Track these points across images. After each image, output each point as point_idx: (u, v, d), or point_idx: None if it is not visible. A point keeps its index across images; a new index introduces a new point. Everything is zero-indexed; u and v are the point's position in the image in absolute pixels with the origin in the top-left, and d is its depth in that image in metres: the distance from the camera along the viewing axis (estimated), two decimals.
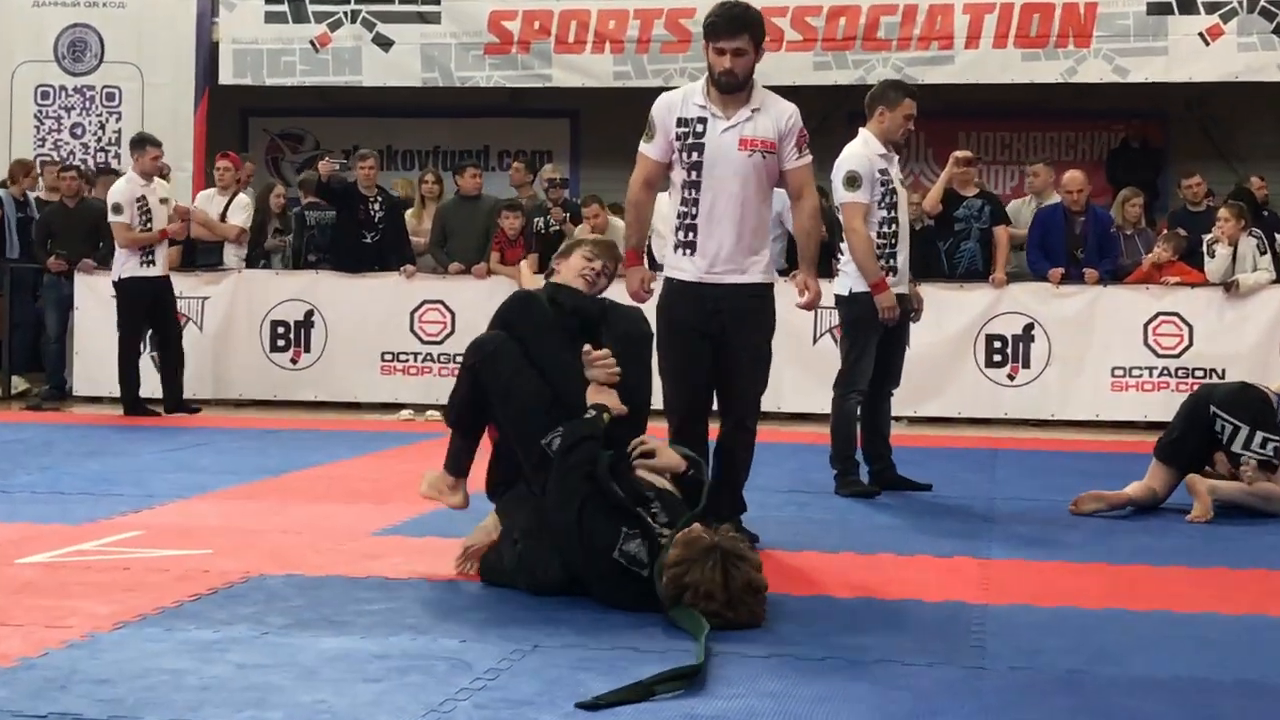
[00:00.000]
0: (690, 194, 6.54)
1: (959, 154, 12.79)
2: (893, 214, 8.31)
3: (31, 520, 7.09)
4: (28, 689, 4.23)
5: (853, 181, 8.17)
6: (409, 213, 14.27)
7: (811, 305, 6.92)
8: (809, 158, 6.72)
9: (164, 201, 12.48)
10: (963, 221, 12.70)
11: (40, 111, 15.94)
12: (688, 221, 6.55)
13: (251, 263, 13.91)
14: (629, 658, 4.60)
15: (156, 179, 12.52)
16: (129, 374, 12.24)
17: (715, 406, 6.78)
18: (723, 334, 6.53)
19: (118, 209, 12.15)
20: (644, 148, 6.71)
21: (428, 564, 6.09)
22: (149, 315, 12.39)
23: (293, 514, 7.50)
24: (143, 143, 12.44)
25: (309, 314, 13.43)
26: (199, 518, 7.32)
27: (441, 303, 13.23)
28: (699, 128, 6.52)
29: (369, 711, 4.08)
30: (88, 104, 15.89)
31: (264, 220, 14.21)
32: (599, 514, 5.29)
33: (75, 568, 6.02)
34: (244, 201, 13.97)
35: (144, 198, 12.16)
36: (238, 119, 17.69)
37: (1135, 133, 16.86)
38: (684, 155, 6.53)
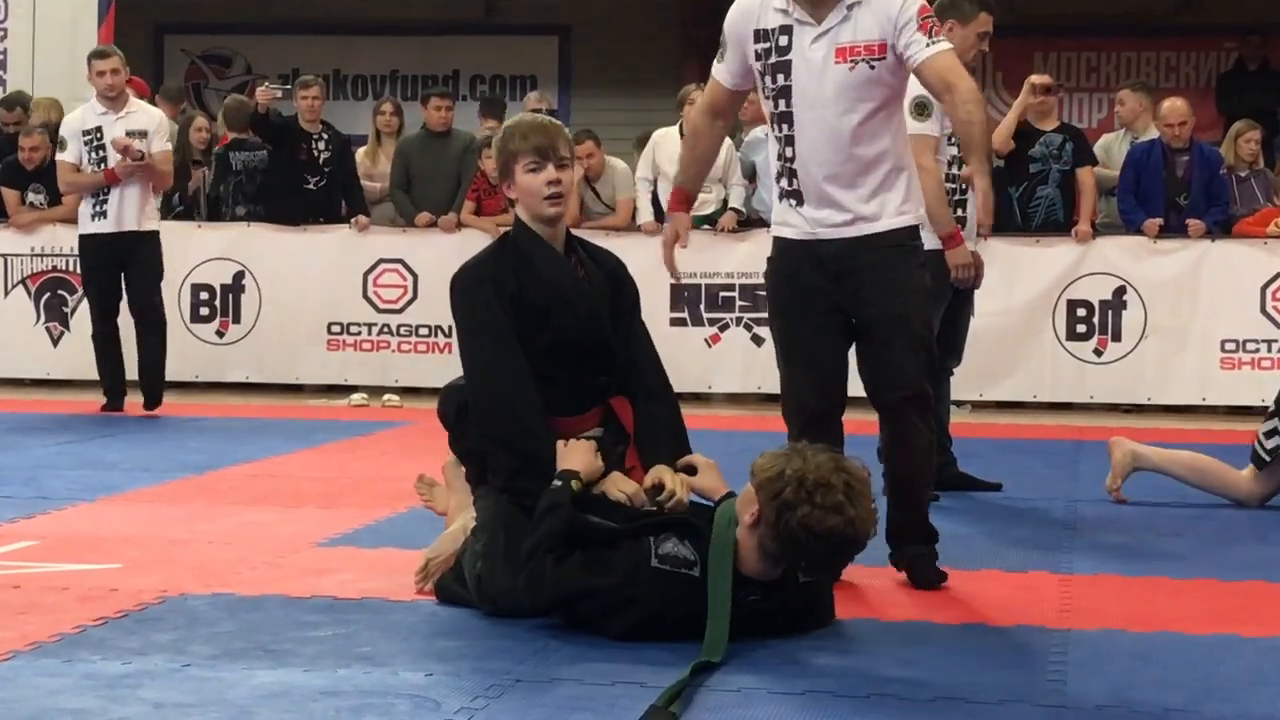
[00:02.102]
0: (783, 129, 6.06)
1: (1035, 79, 12.81)
2: (960, 152, 8.31)
3: None
4: None
5: (922, 109, 8.13)
6: (361, 151, 14.29)
7: (967, 274, 6.78)
8: (944, 44, 6.08)
9: (138, 135, 11.66)
10: (1039, 162, 12.72)
11: None
12: (787, 165, 6.08)
13: (166, 212, 13.84)
14: (632, 693, 4.59)
15: (136, 105, 11.97)
16: (100, 356, 11.81)
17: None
18: (855, 298, 6.10)
19: (62, 144, 11.94)
20: (715, 68, 6.26)
21: (385, 581, 6.10)
22: (113, 281, 11.75)
23: (220, 520, 7.51)
24: (90, 56, 12.16)
25: (238, 276, 13.43)
26: (106, 525, 7.33)
27: (401, 262, 13.24)
28: (782, 40, 5.97)
29: None
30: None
31: (184, 159, 14.09)
32: (603, 551, 5.29)
33: None
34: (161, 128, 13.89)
35: (99, 129, 11.62)
36: (151, 37, 17.71)
37: (1252, 52, 16.83)
38: (767, 79, 6.05)
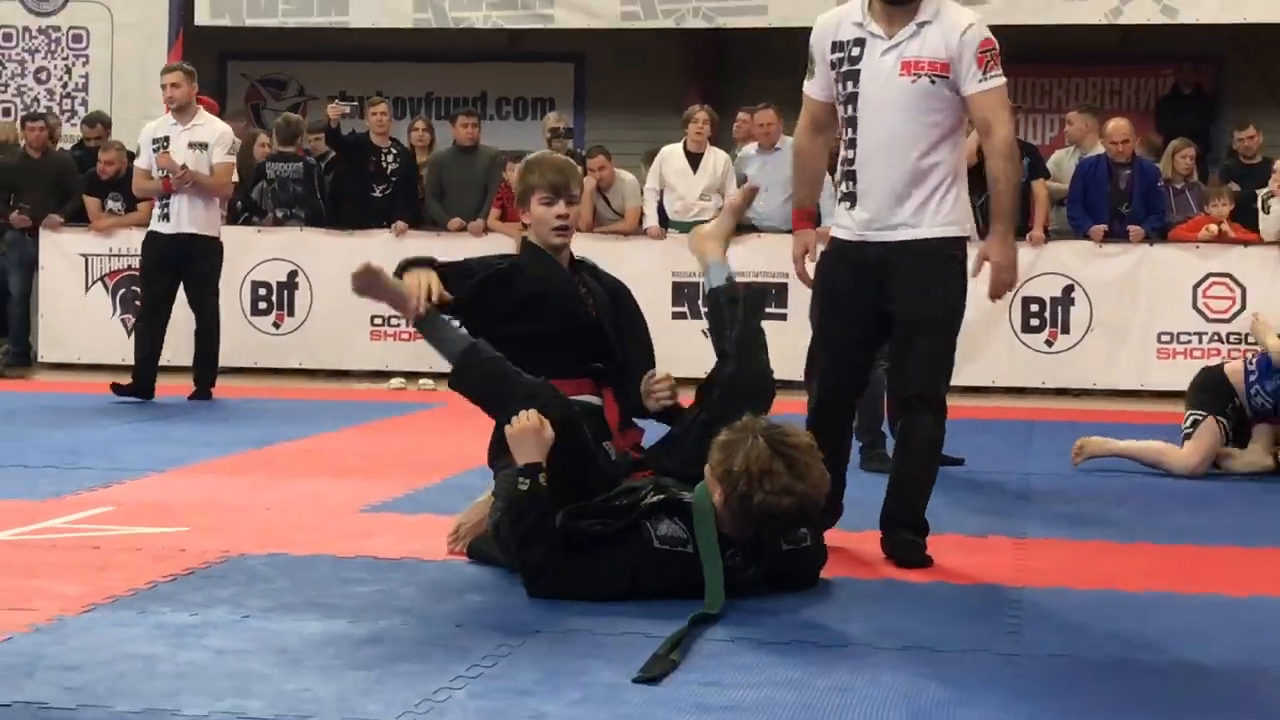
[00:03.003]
0: (848, 133, 5.84)
1: None
2: None
3: None
4: None
5: None
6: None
7: (1001, 291, 6.10)
8: (998, 80, 5.82)
9: (199, 147, 11.27)
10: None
11: (2, 55, 15.94)
12: (847, 168, 5.85)
13: (234, 218, 13.86)
14: (638, 643, 4.59)
15: (204, 118, 11.58)
16: (137, 344, 11.45)
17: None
18: (890, 301, 5.87)
19: (136, 151, 11.77)
20: (807, 87, 6.00)
21: (421, 543, 6.10)
22: (169, 279, 11.42)
23: (276, 490, 7.52)
24: (160, 71, 11.95)
25: (292, 275, 13.44)
26: (174, 493, 7.33)
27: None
28: (854, 51, 5.76)
29: (358, 701, 4.09)
30: (53, 46, 15.91)
31: (246, 173, 14.14)
32: (604, 548, 5.21)
33: (41, 546, 6.03)
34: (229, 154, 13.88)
35: (167, 138, 11.28)
36: (215, 63, 17.66)
37: (1186, 78, 16.81)
38: (839, 86, 5.82)
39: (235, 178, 12.93)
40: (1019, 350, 12.61)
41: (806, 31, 13.57)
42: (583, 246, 13.02)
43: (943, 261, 5.85)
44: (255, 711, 3.98)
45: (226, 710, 3.99)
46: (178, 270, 11.34)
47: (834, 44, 5.81)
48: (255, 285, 13.48)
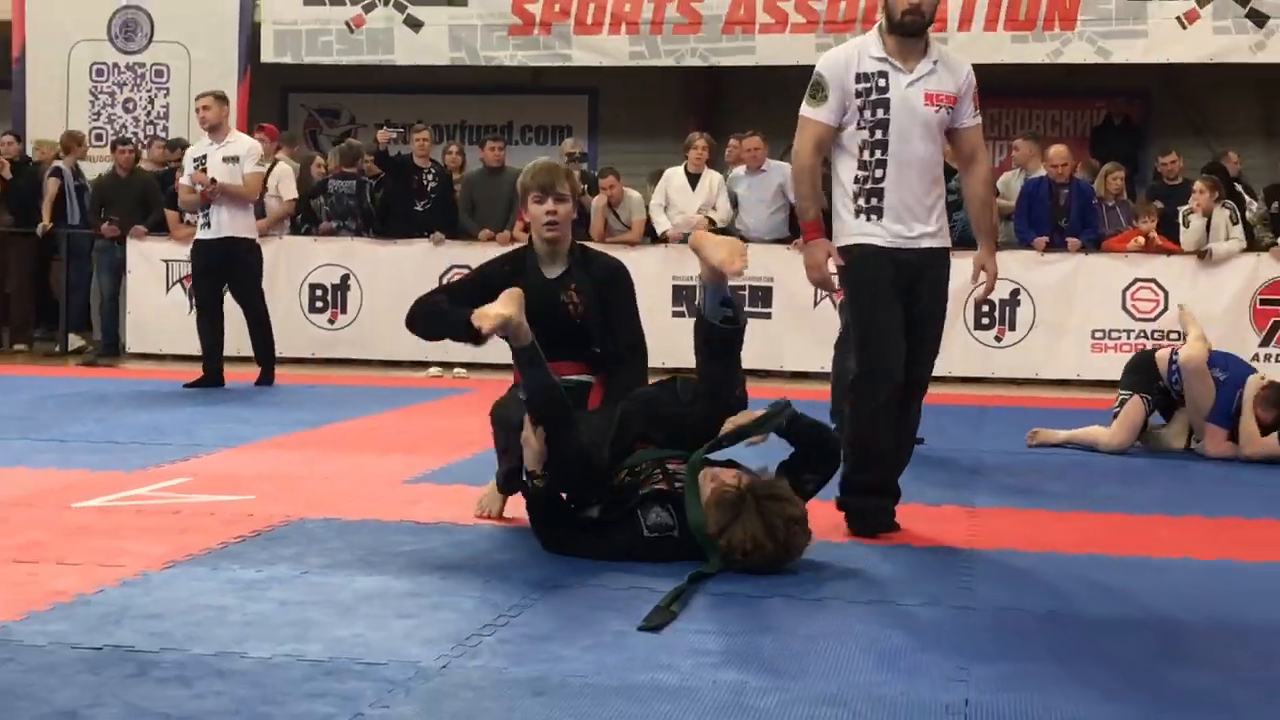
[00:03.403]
0: (873, 155, 5.62)
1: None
2: None
3: (87, 467, 7.11)
4: (85, 623, 4.26)
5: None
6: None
7: (991, 290, 6.04)
8: (980, 118, 5.86)
9: (231, 160, 11.12)
10: (955, 193, 12.60)
11: (95, 88, 15.96)
12: (869, 185, 5.63)
13: (294, 229, 13.90)
14: (644, 597, 4.60)
15: (235, 136, 11.47)
16: (201, 340, 11.31)
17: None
18: (914, 302, 5.71)
19: (181, 169, 11.72)
20: (812, 112, 5.70)
21: (456, 509, 6.11)
22: (215, 280, 11.36)
23: (330, 463, 7.52)
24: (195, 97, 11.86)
25: (345, 278, 13.45)
26: (243, 466, 7.34)
27: (468, 267, 13.13)
28: (880, 82, 5.59)
29: (401, 645, 4.10)
30: (138, 80, 15.91)
31: (303, 189, 14.19)
32: (609, 527, 5.23)
33: (128, 511, 6.04)
34: (287, 171, 13.84)
35: (205, 156, 11.19)
36: (278, 95, 17.68)
37: (1117, 111, 16.85)
38: (865, 114, 5.61)
39: (295, 190, 13.03)
40: (972, 345, 12.60)
41: (789, 68, 13.61)
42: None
43: (948, 268, 5.84)
44: (313, 655, 3.99)
45: (288, 653, 4.00)
46: (221, 272, 11.28)
47: (859, 75, 5.61)
48: (313, 287, 13.50)
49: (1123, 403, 8.42)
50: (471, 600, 4.61)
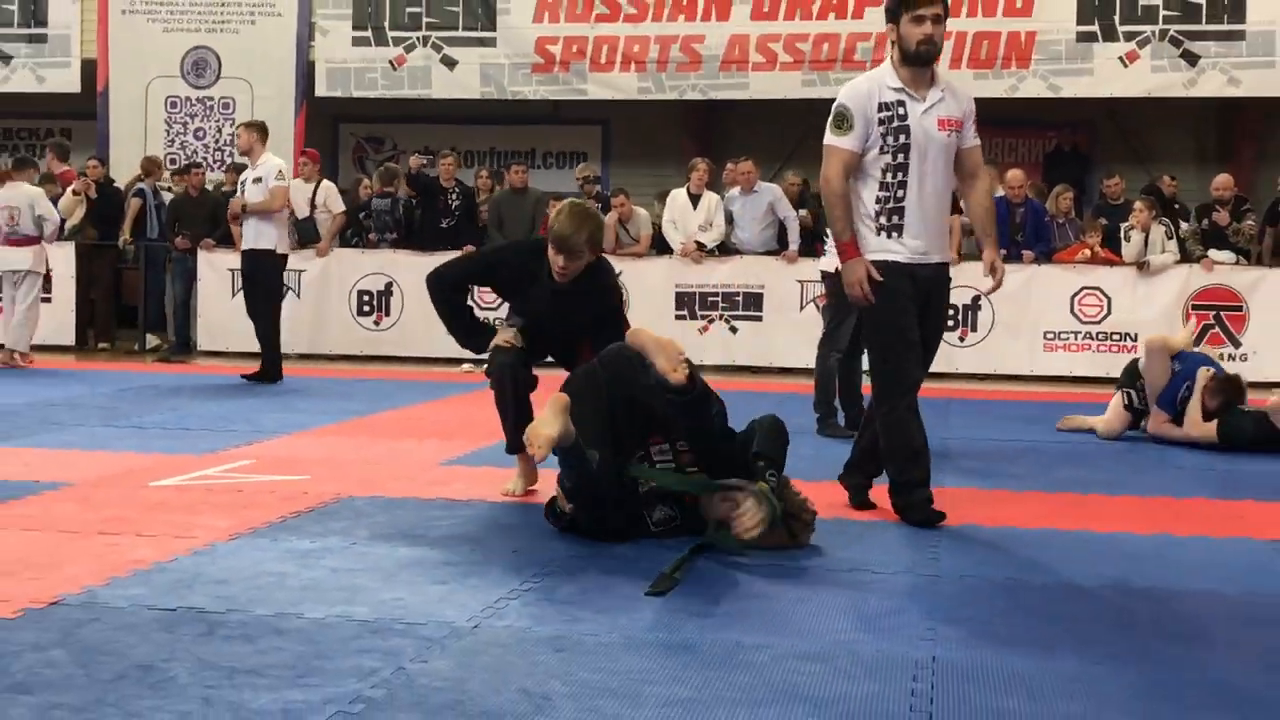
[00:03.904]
0: (895, 177, 5.46)
1: None
2: None
3: (163, 451, 7.13)
4: (161, 588, 4.27)
5: (842, 120, 8.11)
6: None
7: (999, 286, 5.78)
8: (979, 139, 5.72)
9: (258, 180, 10.93)
10: None
11: (169, 118, 15.99)
12: (891, 205, 5.47)
13: (344, 242, 13.91)
14: (651, 567, 4.60)
15: (264, 159, 11.05)
16: (259, 339, 11.16)
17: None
18: (924, 315, 5.59)
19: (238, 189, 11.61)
20: (838, 140, 5.49)
21: (485, 489, 6.11)
22: (249, 285, 11.25)
23: (375, 447, 7.53)
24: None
25: (389, 285, 13.46)
26: (299, 450, 7.35)
27: None
28: (900, 110, 5.44)
29: (438, 607, 4.10)
30: (208, 112, 15.93)
31: (354, 207, 14.23)
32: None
33: (199, 490, 6.05)
34: (331, 188, 13.88)
35: (245, 179, 11.18)
36: (330, 125, 17.69)
37: (1066, 139, 16.83)
38: (888, 139, 5.44)
39: (341, 203, 12.95)
40: (943, 344, 12.57)
41: (779, 102, 13.48)
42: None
43: (950, 283, 5.75)
44: (360, 615, 3.99)
45: (338, 614, 4.00)
46: (248, 279, 11.24)
47: (881, 104, 5.45)
48: (360, 293, 13.50)
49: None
50: (499, 568, 4.61)
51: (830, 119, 5.53)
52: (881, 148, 5.45)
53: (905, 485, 5.60)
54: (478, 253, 6.22)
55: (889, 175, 5.46)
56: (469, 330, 6.08)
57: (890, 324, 5.53)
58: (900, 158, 5.44)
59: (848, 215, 5.50)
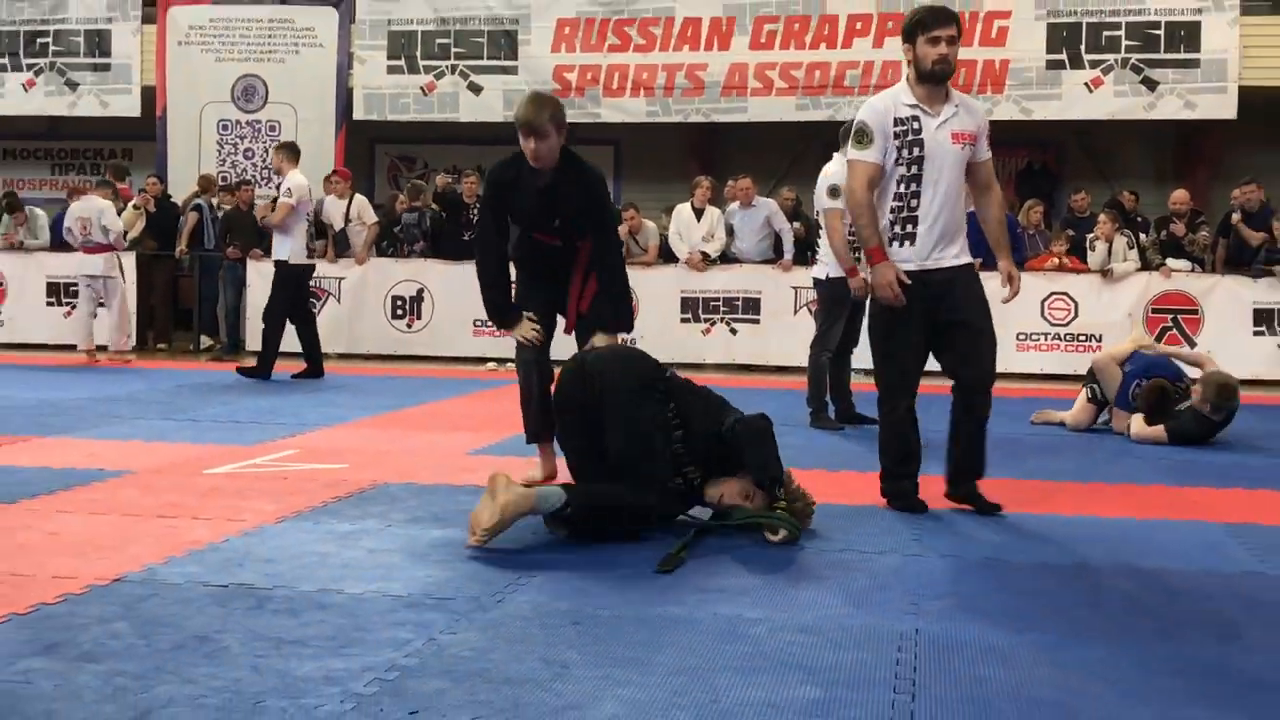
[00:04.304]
0: (909, 187, 5.33)
1: None
2: None
3: (216, 442, 7.14)
4: (214, 566, 4.27)
5: (835, 192, 8.09)
6: None
7: (1016, 294, 5.67)
8: (990, 153, 5.59)
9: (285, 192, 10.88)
10: None
11: (221, 140, 15.99)
12: (904, 214, 5.35)
13: (381, 252, 13.90)
14: (659, 546, 4.60)
15: (290, 175, 10.89)
16: (300, 340, 11.11)
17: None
18: (952, 313, 5.41)
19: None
20: (862, 154, 5.35)
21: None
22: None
23: (408, 438, 7.53)
24: None
25: (420, 291, 13.45)
26: (339, 441, 7.35)
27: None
28: (915, 125, 5.31)
29: (466, 584, 4.10)
30: (256, 134, 15.92)
31: (390, 220, 14.24)
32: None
33: (248, 477, 6.06)
34: (363, 202, 13.90)
35: (275, 196, 11.21)
36: (367, 146, 17.68)
37: (1036, 158, 16.79)
38: (904, 152, 5.31)
39: (374, 215, 12.91)
40: None
41: (774, 124, 13.35)
42: None
43: (979, 279, 5.56)
44: (395, 591, 4.00)
45: (375, 590, 4.00)
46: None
47: (896, 119, 5.32)
48: (394, 299, 13.50)
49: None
50: (521, 548, 4.61)
51: (851, 135, 5.44)
52: (897, 160, 5.33)
53: (893, 476, 5.61)
54: (481, 204, 5.97)
55: (903, 185, 5.33)
56: (499, 309, 5.85)
57: (893, 331, 5.44)
58: (914, 169, 5.31)
59: (874, 223, 5.34)
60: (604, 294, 5.71)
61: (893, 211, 5.36)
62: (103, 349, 12.49)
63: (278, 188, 11.59)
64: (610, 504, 4.74)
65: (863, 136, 5.35)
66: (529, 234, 5.74)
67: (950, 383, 5.69)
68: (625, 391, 4.88)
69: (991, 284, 5.63)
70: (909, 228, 5.35)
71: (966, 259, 5.46)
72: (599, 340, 5.58)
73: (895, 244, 5.35)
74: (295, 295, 11.02)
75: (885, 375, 5.55)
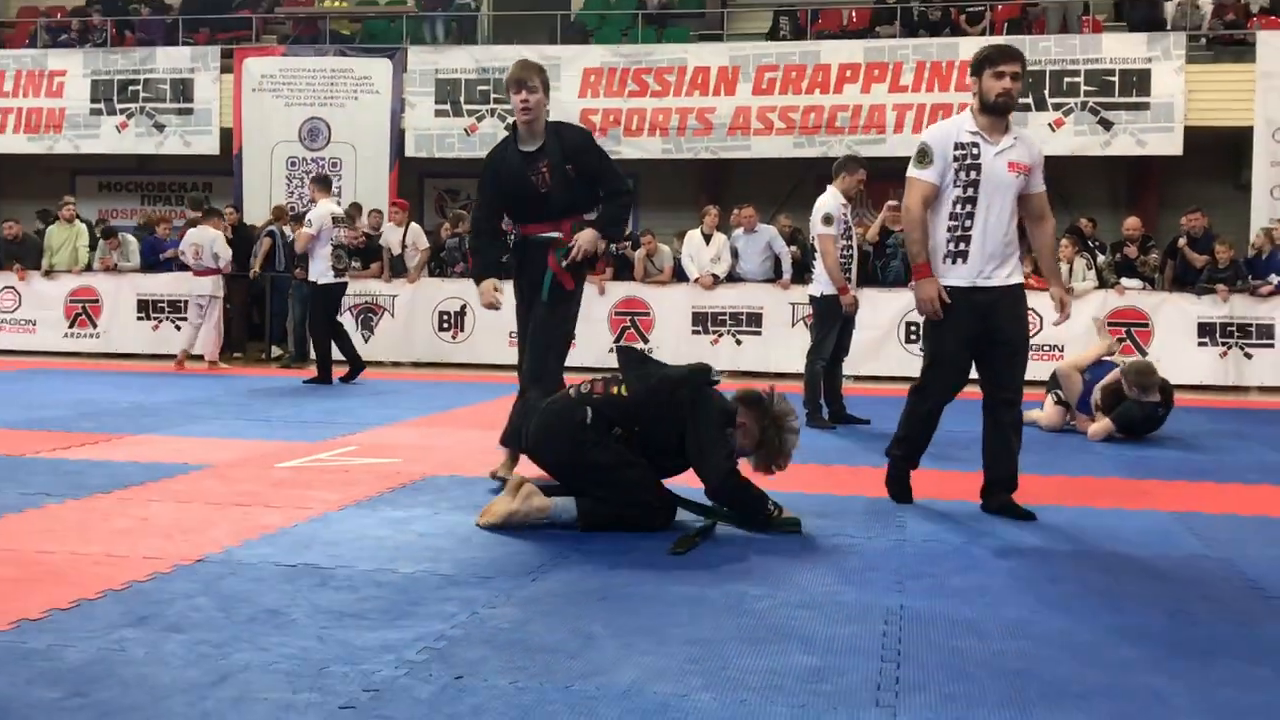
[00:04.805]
0: (964, 209, 5.04)
1: (889, 203, 12.69)
2: (849, 242, 8.29)
3: (285, 439, 7.16)
4: (284, 548, 4.29)
5: (829, 220, 8.10)
6: None
7: (1067, 318, 5.28)
8: (1044, 185, 5.25)
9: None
10: (891, 248, 12.63)
11: (289, 175, 16.04)
12: (959, 233, 5.06)
13: (431, 272, 13.91)
14: (669, 536, 4.60)
15: (321, 202, 10.93)
16: (340, 348, 11.15)
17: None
18: (995, 329, 5.09)
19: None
20: (920, 174, 5.08)
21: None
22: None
23: (453, 435, 7.54)
24: None
25: (464, 307, 13.46)
26: (393, 438, 7.36)
27: None
28: (974, 151, 5.04)
29: (505, 564, 4.11)
30: (320, 170, 15.98)
31: (437, 245, 14.26)
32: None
33: (314, 470, 6.08)
34: (418, 230, 13.95)
35: None
36: (417, 180, 17.69)
37: None
38: (960, 175, 5.03)
39: (426, 241, 12.92)
40: (904, 354, 12.53)
41: (774, 160, 13.23)
42: (636, 289, 13.08)
43: (1024, 300, 5.24)
44: (443, 570, 4.00)
45: (425, 569, 4.01)
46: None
47: (956, 144, 5.06)
48: (441, 314, 13.51)
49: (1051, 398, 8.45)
50: (553, 533, 4.61)
51: (913, 155, 5.17)
52: (955, 182, 5.06)
53: (894, 456, 5.47)
54: (479, 185, 5.65)
55: (959, 207, 5.07)
56: (477, 266, 5.67)
57: (943, 340, 5.19)
58: (970, 192, 5.05)
59: (924, 239, 5.09)
60: (603, 210, 5.46)
61: (948, 230, 5.09)
62: (197, 358, 12.60)
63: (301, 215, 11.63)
64: (617, 523, 4.62)
65: (924, 157, 5.10)
66: (520, 230, 5.47)
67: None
68: (569, 464, 4.69)
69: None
70: (962, 246, 5.08)
71: (1017, 279, 5.15)
72: (585, 234, 5.34)
73: (949, 261, 5.09)
74: (334, 309, 11.11)
75: (925, 376, 5.34)
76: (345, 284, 11.32)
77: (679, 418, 4.65)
